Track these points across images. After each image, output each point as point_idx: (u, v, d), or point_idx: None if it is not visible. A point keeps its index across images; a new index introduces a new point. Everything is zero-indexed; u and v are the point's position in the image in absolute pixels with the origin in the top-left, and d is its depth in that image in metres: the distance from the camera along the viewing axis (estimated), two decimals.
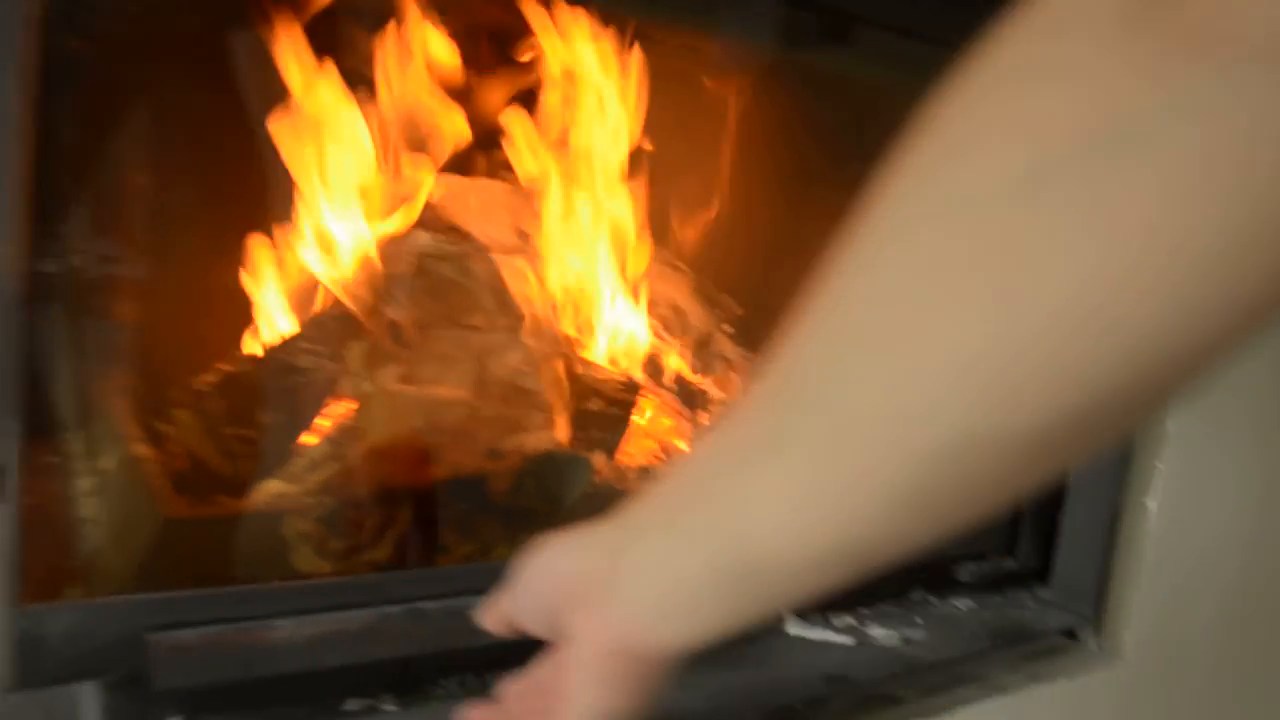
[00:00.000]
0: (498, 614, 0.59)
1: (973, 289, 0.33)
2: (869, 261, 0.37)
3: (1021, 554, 1.05)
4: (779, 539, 0.40)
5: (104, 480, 0.78)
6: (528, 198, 1.03)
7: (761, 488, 0.40)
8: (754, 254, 1.34)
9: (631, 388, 0.98)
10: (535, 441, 0.85)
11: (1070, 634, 1.07)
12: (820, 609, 0.95)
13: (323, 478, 0.77)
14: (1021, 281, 0.32)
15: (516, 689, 0.57)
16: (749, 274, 1.27)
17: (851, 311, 0.38)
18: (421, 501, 0.80)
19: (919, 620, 0.98)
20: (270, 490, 0.79)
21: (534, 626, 0.55)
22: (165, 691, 0.62)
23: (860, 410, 0.37)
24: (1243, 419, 1.10)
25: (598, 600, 0.48)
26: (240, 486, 0.80)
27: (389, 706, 0.71)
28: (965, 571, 1.03)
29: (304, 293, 0.97)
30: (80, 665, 0.59)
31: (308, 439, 0.83)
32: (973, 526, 0.39)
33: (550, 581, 0.53)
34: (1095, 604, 1.04)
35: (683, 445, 1.01)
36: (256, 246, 0.88)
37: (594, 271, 1.02)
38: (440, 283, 0.94)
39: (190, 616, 0.61)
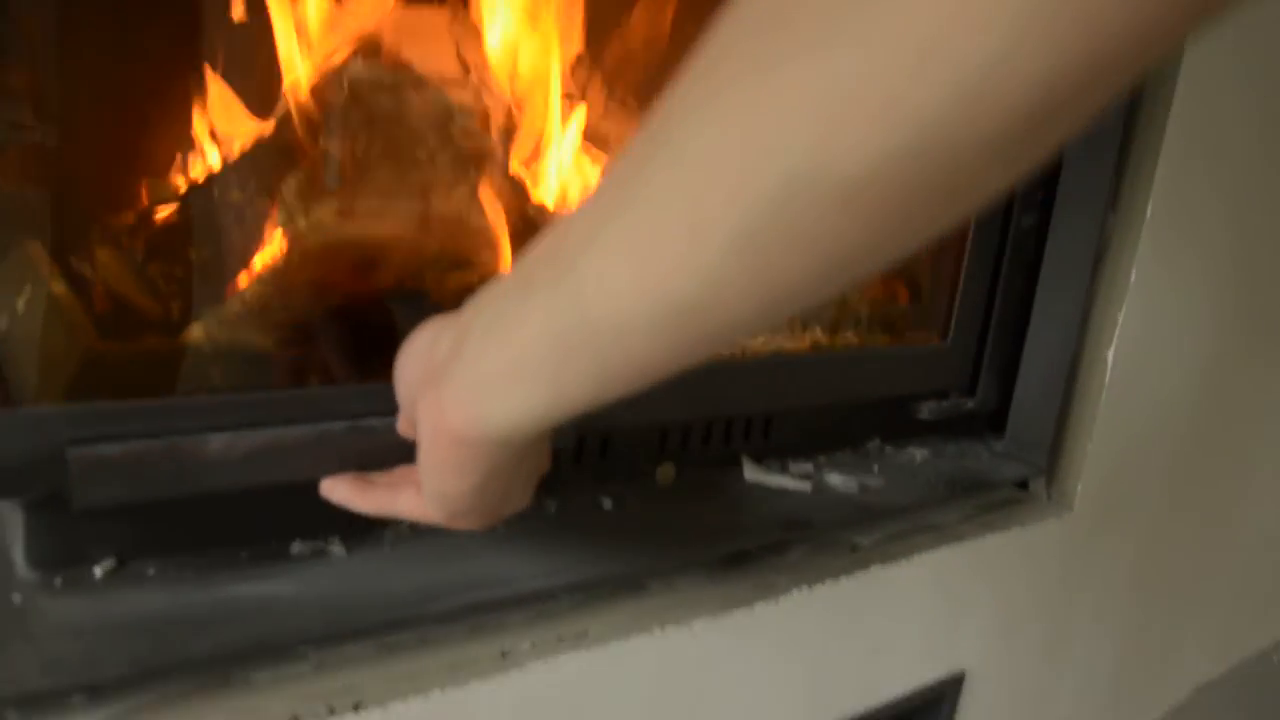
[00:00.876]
0: (403, 417, 0.60)
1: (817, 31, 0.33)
2: (724, 19, 0.37)
3: (981, 396, 1.04)
4: (616, 295, 0.40)
5: (21, 316, 0.72)
6: (472, 26, 0.96)
7: (602, 247, 0.40)
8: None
9: None
10: (482, 273, 0.80)
11: (1023, 485, 1.07)
12: (777, 455, 0.93)
13: (259, 305, 0.72)
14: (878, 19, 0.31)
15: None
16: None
17: (699, 71, 0.37)
18: (365, 314, 0.75)
19: (875, 468, 0.97)
20: (200, 329, 0.75)
21: (408, 416, 0.56)
22: (95, 521, 0.57)
23: (696, 158, 0.36)
24: (1201, 276, 1.09)
25: (436, 379, 0.49)
26: (169, 327, 0.75)
27: (336, 549, 0.68)
28: (925, 409, 1.01)
29: (235, 125, 0.91)
30: None
31: (242, 277, 0.78)
32: (796, 297, 0.39)
33: (411, 366, 0.55)
34: (1049, 456, 1.03)
35: None
36: (185, 75, 0.82)
37: (542, 106, 0.96)
38: (378, 116, 0.88)
39: (114, 430, 0.56)
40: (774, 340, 0.92)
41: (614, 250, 0.40)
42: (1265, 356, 1.29)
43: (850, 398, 0.96)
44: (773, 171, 0.34)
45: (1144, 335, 1.03)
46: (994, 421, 1.08)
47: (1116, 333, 0.99)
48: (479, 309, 0.49)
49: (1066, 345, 1.00)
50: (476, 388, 0.47)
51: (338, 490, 0.63)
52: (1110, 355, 1.00)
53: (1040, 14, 0.29)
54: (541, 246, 0.45)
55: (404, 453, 0.59)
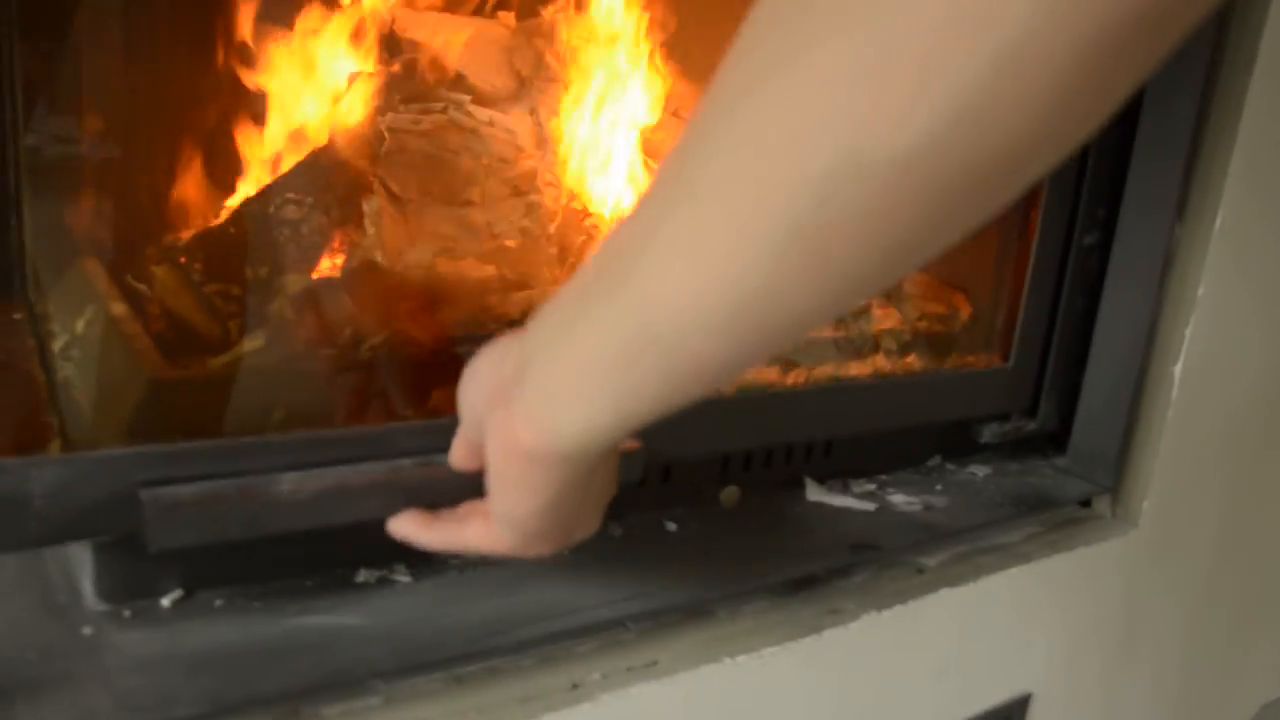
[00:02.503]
0: (462, 444, 0.59)
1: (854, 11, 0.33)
2: (752, 12, 0.37)
3: (1042, 418, 1.02)
4: (675, 296, 0.40)
5: (82, 339, 0.72)
6: (526, 38, 0.95)
7: (657, 248, 0.40)
8: None
9: None
10: (544, 295, 0.79)
11: (1086, 503, 1.05)
12: (840, 475, 0.92)
13: (321, 333, 0.72)
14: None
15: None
16: None
17: (733, 66, 0.38)
18: (432, 352, 0.74)
19: (938, 487, 0.95)
20: (261, 347, 0.74)
21: (476, 441, 0.55)
22: (163, 556, 0.56)
23: (742, 150, 0.36)
24: (1272, 285, 1.06)
25: (504, 398, 0.49)
26: (228, 344, 0.74)
27: (402, 577, 0.67)
28: (987, 433, 1.00)
29: (290, 144, 0.91)
30: (68, 524, 0.53)
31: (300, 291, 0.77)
32: (855, 286, 0.39)
33: (475, 389, 0.54)
34: (1114, 473, 1.01)
35: None
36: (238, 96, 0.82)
37: (598, 120, 0.95)
38: (433, 143, 0.88)
39: (186, 471, 0.56)
40: (837, 365, 0.91)
41: (668, 251, 0.39)
42: None
43: (911, 422, 0.95)
44: (818, 154, 0.34)
45: (1211, 349, 1.00)
46: (1055, 439, 1.06)
47: (1184, 348, 0.97)
48: (541, 324, 0.48)
49: (1132, 361, 0.98)
50: (544, 402, 0.47)
51: (404, 527, 0.62)
52: (1177, 371, 0.98)
53: None
54: (598, 255, 0.45)
55: (470, 489, 0.58)
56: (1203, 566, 1.15)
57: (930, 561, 0.87)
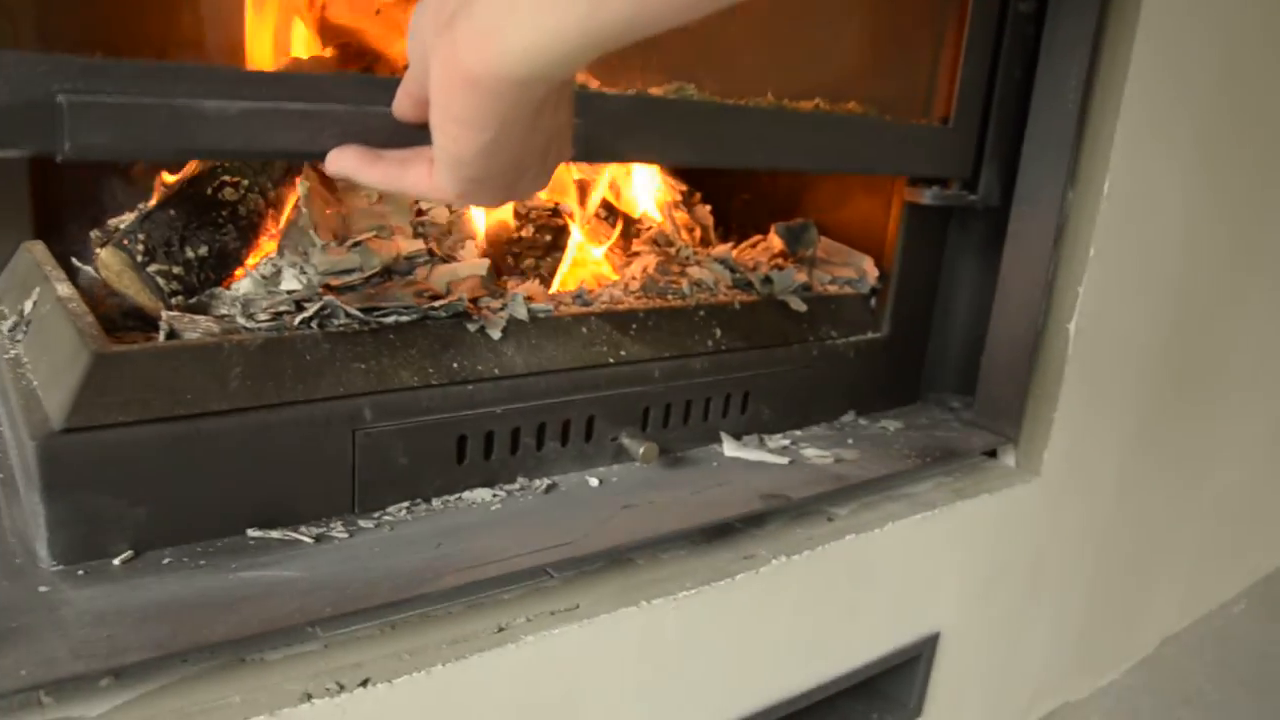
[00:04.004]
0: (406, 94, 0.58)
1: None
2: None
3: (984, 190, 1.07)
4: None
5: None
6: None
7: None
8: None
9: (559, 213, 0.97)
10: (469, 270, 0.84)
11: (992, 454, 1.11)
12: (754, 431, 0.97)
13: None
14: None
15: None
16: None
17: None
18: None
19: (850, 441, 1.01)
20: None
21: (421, 92, 0.53)
22: (107, 512, 0.61)
23: None
24: (1161, 244, 1.13)
25: (452, 21, 0.46)
26: None
27: (339, 534, 0.72)
28: (929, 195, 1.05)
29: None
30: None
31: None
32: None
33: (423, 21, 0.51)
34: (1016, 425, 1.08)
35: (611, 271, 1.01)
36: None
37: None
38: None
39: (109, 86, 0.56)
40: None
41: None
42: (1228, 324, 1.34)
43: (852, 166, 0.99)
44: None
45: (1104, 307, 1.07)
46: (964, 385, 1.12)
47: (1077, 305, 1.04)
48: None
49: (1030, 320, 1.04)
50: (498, 16, 0.44)
51: (344, 159, 0.61)
52: (1071, 328, 1.04)
53: None
54: None
55: (405, 143, 0.59)
56: (1103, 511, 1.22)
57: (840, 510, 0.93)
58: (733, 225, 1.20)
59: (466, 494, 0.79)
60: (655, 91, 0.84)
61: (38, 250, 0.86)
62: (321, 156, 0.62)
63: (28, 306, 0.79)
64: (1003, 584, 1.10)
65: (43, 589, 0.61)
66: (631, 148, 0.81)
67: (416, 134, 0.57)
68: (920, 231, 1.09)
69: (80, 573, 0.63)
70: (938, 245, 1.12)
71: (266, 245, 0.86)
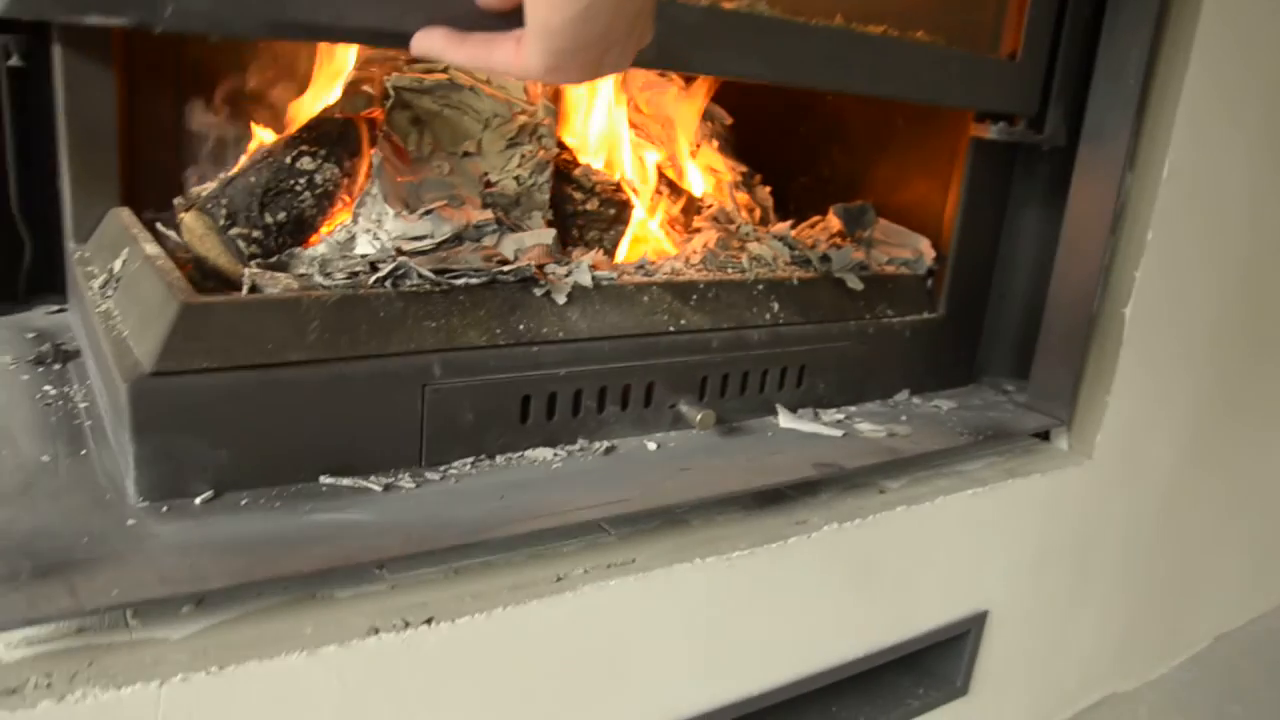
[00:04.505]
0: None
1: None
2: None
3: (1050, 129, 1.06)
4: None
5: None
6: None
7: None
8: None
9: (622, 189, 0.99)
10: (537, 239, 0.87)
11: (1045, 436, 1.12)
12: (810, 405, 0.99)
13: None
14: None
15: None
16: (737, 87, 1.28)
17: None
18: None
19: (904, 418, 1.02)
20: None
21: None
22: (191, 454, 0.65)
23: None
24: (1216, 236, 1.13)
25: None
26: None
27: (406, 484, 0.75)
28: (994, 130, 1.05)
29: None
30: None
31: None
32: None
33: None
34: (1069, 407, 1.09)
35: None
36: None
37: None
38: (436, 100, 0.95)
39: None
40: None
41: None
42: None
43: (918, 95, 0.99)
44: None
45: (1161, 292, 1.08)
46: (1020, 369, 1.13)
47: (1134, 290, 1.04)
48: None
49: (1086, 304, 1.05)
50: None
51: (431, 39, 0.63)
52: (1127, 312, 1.05)
53: None
54: None
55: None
56: (1158, 498, 1.23)
57: (892, 484, 0.95)
58: (791, 208, 1.22)
59: (529, 452, 0.82)
60: (728, 5, 0.85)
61: (124, 215, 0.90)
62: (407, 38, 0.65)
63: (117, 265, 0.82)
64: (1052, 566, 1.11)
65: (130, 522, 0.65)
66: (702, 58, 0.83)
67: (498, 23, 0.60)
68: (984, 176, 1.10)
69: (164, 509, 0.67)
70: (1001, 194, 1.13)
71: (341, 214, 0.89)
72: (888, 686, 1.04)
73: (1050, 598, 1.14)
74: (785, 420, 0.95)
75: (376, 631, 0.63)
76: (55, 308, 1.01)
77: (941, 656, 1.05)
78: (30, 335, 0.93)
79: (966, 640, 1.04)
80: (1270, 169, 1.16)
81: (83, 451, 0.72)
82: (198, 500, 0.68)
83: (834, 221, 1.10)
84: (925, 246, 1.09)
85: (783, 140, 1.30)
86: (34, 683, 0.54)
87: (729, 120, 1.24)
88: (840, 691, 0.99)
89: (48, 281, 1.01)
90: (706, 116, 1.19)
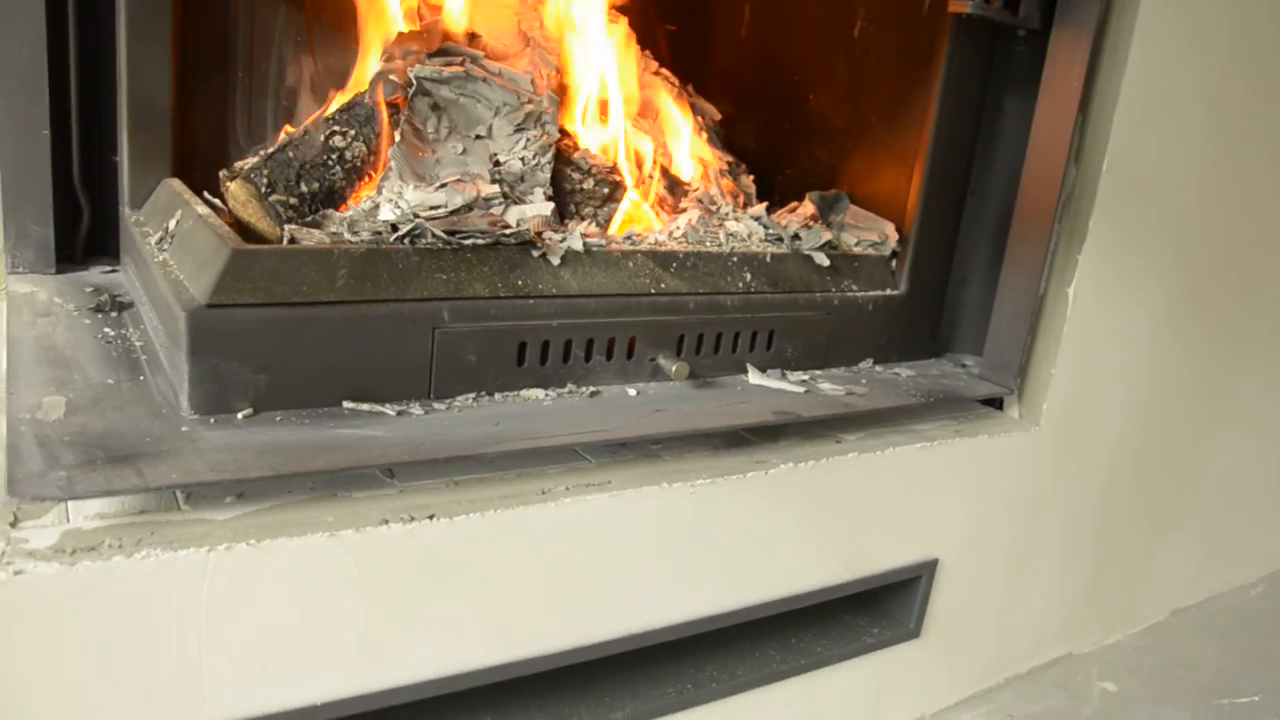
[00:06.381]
0: None
1: None
2: None
3: (1025, 9, 1.14)
4: None
5: None
6: (531, 5, 1.15)
7: None
8: (740, 60, 1.46)
9: (616, 171, 1.12)
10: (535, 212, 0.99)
11: (997, 404, 1.23)
12: (778, 367, 1.11)
13: None
14: None
15: None
16: (731, 81, 1.40)
17: None
18: None
19: (864, 381, 1.14)
20: None
21: None
22: (235, 377, 0.77)
23: None
24: (1167, 214, 1.24)
25: None
26: None
27: (416, 410, 0.87)
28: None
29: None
30: None
31: None
32: None
33: None
34: (1017, 377, 1.20)
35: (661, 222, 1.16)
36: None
37: (586, 72, 1.15)
38: (454, 88, 1.07)
39: None
40: None
41: None
42: (1237, 300, 1.44)
43: None
44: None
45: (1105, 274, 1.19)
46: (982, 348, 1.25)
47: (1077, 271, 1.16)
48: None
49: (1034, 283, 1.16)
50: None
51: None
52: (1071, 292, 1.16)
53: None
54: None
55: None
56: (1108, 468, 1.34)
57: (848, 436, 1.06)
58: (774, 198, 1.34)
59: (523, 392, 0.94)
60: None
61: (176, 184, 1.03)
62: None
63: (171, 224, 0.95)
64: (1003, 525, 1.22)
65: (184, 429, 0.77)
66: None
67: None
68: (946, 160, 1.20)
69: (212, 421, 0.79)
70: (961, 183, 1.24)
71: (366, 188, 1.02)
72: (845, 624, 1.15)
73: (1003, 554, 1.25)
74: (754, 378, 1.07)
75: (386, 522, 0.75)
76: (108, 268, 1.14)
77: (895, 598, 1.17)
78: (89, 289, 1.06)
79: (918, 585, 1.15)
80: (1221, 153, 1.27)
81: (140, 378, 0.85)
82: (240, 415, 0.80)
83: (809, 206, 1.22)
84: (890, 230, 1.21)
85: (770, 136, 1.42)
86: (108, 543, 0.67)
87: (718, 116, 1.37)
88: (801, 624, 1.11)
89: (99, 245, 1.15)
90: (696, 112, 1.32)
